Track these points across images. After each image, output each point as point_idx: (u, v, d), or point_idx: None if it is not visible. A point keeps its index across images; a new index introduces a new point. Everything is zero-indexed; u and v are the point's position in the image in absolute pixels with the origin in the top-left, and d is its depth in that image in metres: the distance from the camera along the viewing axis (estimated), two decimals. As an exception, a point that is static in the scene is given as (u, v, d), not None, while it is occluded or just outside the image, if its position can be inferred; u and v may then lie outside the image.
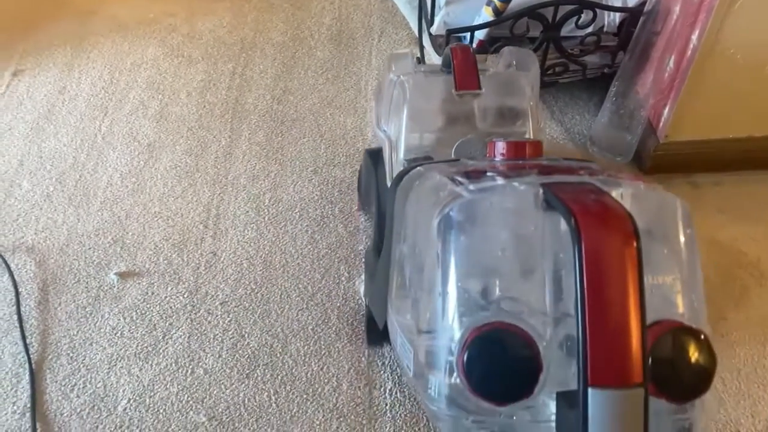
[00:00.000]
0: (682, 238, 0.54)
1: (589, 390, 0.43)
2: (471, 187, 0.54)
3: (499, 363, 0.49)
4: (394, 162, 0.79)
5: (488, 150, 0.65)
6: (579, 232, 0.44)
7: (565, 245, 0.47)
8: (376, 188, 0.92)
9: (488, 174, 0.60)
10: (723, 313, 0.97)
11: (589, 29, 1.08)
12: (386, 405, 0.87)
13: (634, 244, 0.44)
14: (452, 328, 0.51)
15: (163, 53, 1.38)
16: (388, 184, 0.78)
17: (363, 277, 1.00)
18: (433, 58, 1.24)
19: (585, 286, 0.44)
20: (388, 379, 0.89)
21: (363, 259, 1.00)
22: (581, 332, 0.43)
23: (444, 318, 0.51)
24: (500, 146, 0.63)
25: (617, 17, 1.09)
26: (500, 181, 0.56)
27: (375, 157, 0.94)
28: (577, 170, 0.58)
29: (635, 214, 0.47)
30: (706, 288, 0.98)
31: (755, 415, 0.86)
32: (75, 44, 1.41)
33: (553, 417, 0.49)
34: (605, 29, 1.10)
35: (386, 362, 0.91)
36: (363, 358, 0.91)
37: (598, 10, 1.06)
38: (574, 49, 1.11)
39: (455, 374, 0.50)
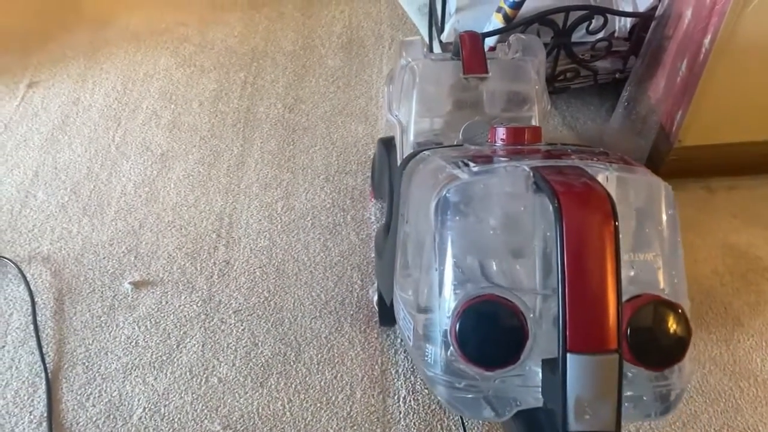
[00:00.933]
0: (664, 218, 0.57)
1: (568, 355, 0.47)
2: (467, 170, 0.57)
3: (488, 331, 0.53)
4: (405, 145, 0.81)
5: (489, 135, 0.68)
6: (561, 211, 0.48)
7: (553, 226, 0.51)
8: (389, 175, 0.94)
9: (486, 158, 0.63)
10: (739, 320, 0.96)
11: (600, 34, 1.07)
12: (400, 413, 0.87)
13: (612, 222, 0.47)
14: (447, 300, 0.55)
15: (176, 63, 1.40)
16: (399, 164, 0.80)
17: (376, 285, 1.00)
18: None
19: (565, 260, 0.47)
20: (401, 387, 0.89)
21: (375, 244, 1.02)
22: (561, 302, 0.47)
23: (441, 293, 0.55)
24: (500, 132, 0.66)
25: (628, 22, 1.08)
26: (495, 165, 0.59)
27: (388, 145, 0.97)
28: (571, 155, 0.61)
29: (619, 196, 0.51)
30: (723, 294, 0.98)
31: (764, 418, 0.85)
32: (88, 55, 1.42)
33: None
34: (616, 34, 1.10)
35: (400, 371, 0.91)
36: (377, 367, 0.91)
37: (609, 16, 1.06)
38: (585, 55, 1.11)
39: (450, 345, 0.54)
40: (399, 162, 0.82)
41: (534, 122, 0.81)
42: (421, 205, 0.62)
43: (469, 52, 0.79)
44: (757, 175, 1.14)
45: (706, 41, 0.98)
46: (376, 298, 0.98)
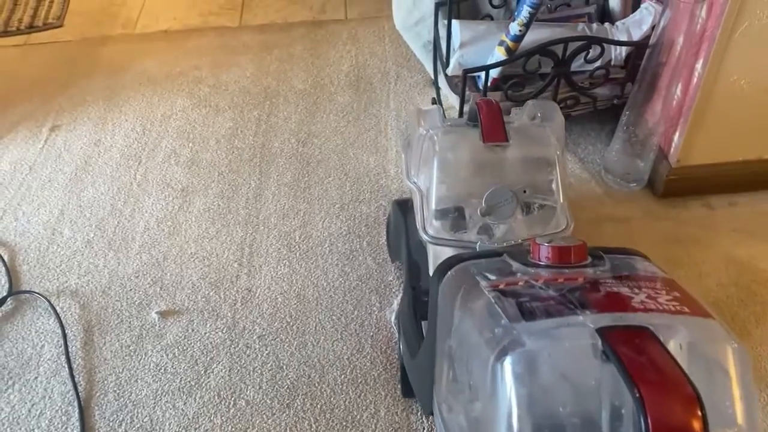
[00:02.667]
0: (737, 391, 0.53)
1: None
2: (526, 331, 0.54)
3: None
4: (426, 213, 0.80)
5: (532, 251, 0.65)
6: (643, 405, 0.46)
7: (623, 392, 0.49)
8: (406, 239, 0.95)
9: (538, 298, 0.58)
10: (747, 329, 0.99)
11: (598, 63, 1.13)
12: (424, 429, 0.89)
13: (699, 414, 0.46)
14: None
15: (192, 104, 1.46)
16: (420, 234, 0.80)
17: (393, 306, 1.04)
18: (450, 98, 1.30)
19: None
20: (424, 403, 0.92)
21: (396, 319, 1.01)
22: None
23: None
24: (545, 250, 0.63)
25: (624, 51, 1.15)
26: (555, 322, 0.55)
27: (403, 207, 0.97)
28: (627, 290, 0.58)
29: (690, 364, 0.50)
30: (729, 305, 1.01)
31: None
32: (107, 99, 1.48)
33: None
34: (613, 62, 1.16)
35: (422, 387, 0.93)
36: (399, 385, 0.94)
37: (605, 45, 1.12)
38: (584, 83, 1.17)
39: None
40: (419, 229, 0.80)
41: (554, 186, 0.80)
42: (473, 347, 0.60)
43: (488, 121, 0.80)
44: (755, 192, 1.19)
45: (698, 66, 1.04)
46: (393, 318, 1.02)
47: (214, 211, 1.22)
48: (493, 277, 0.63)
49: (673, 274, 1.05)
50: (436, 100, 1.33)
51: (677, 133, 1.13)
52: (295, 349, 1.00)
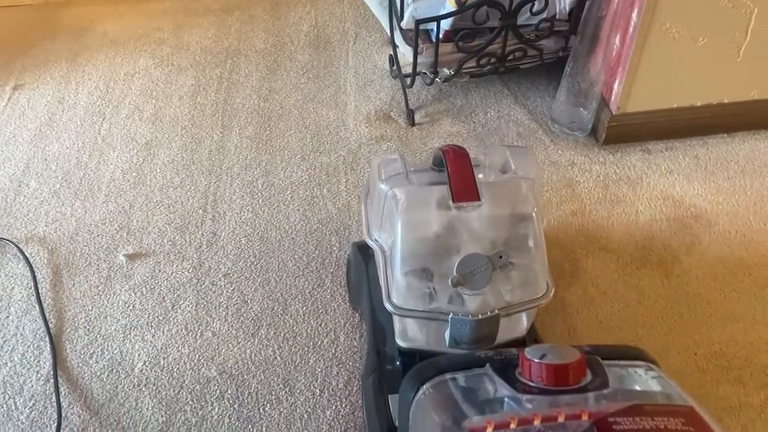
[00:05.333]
0: None
1: None
2: None
3: None
4: (390, 277, 0.72)
5: (522, 367, 0.56)
6: None
7: None
8: (368, 290, 0.88)
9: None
10: (678, 258, 1.08)
11: (543, 15, 1.20)
12: (381, 351, 0.96)
13: None
14: None
15: (154, 63, 1.49)
16: (384, 303, 0.72)
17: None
18: (407, 55, 1.35)
19: None
20: (381, 329, 0.98)
21: (359, 384, 0.92)
22: None
23: None
24: (537, 370, 0.54)
25: (567, 4, 1.21)
26: None
27: (364, 251, 0.89)
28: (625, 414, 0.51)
29: None
30: (663, 237, 1.10)
31: (701, 338, 0.97)
32: (70, 59, 1.50)
33: None
34: (557, 16, 1.23)
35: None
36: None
37: (549, -1, 1.19)
38: (530, 35, 1.23)
39: None
40: (384, 296, 0.72)
41: (531, 243, 0.72)
42: None
43: (457, 177, 0.71)
44: (690, 138, 1.28)
45: (634, 15, 1.11)
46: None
47: (178, 162, 1.26)
48: (477, 418, 0.53)
49: (612, 211, 1.14)
50: (393, 58, 1.38)
51: (617, 82, 1.21)
52: (259, 285, 1.05)
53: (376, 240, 0.77)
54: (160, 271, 1.08)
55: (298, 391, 0.92)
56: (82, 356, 0.97)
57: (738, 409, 0.90)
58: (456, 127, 1.31)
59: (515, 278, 0.71)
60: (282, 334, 0.99)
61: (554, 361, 0.54)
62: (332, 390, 0.92)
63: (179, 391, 0.93)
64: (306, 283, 1.05)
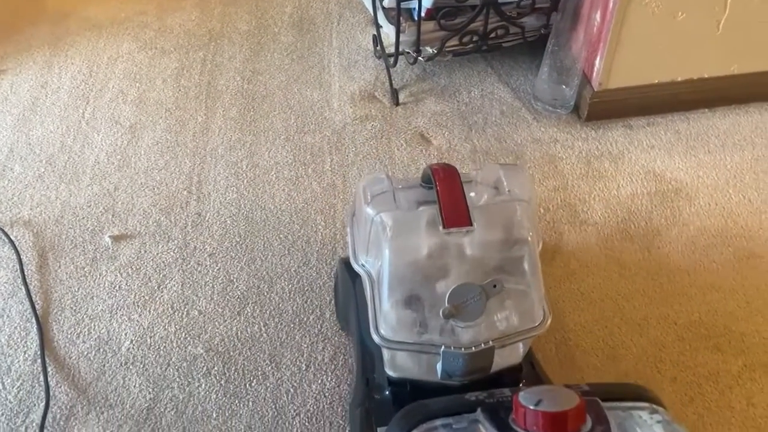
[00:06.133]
0: None
1: None
2: None
3: None
4: (378, 307, 0.69)
5: (515, 413, 0.52)
6: None
7: None
8: (356, 312, 0.83)
9: None
10: (659, 231, 1.09)
11: (524, -8, 1.21)
12: (366, 326, 0.97)
13: None
14: None
15: (137, 47, 1.48)
16: (372, 334, 0.69)
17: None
18: (390, 35, 1.36)
19: None
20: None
21: (347, 411, 0.89)
22: None
23: None
24: (532, 418, 0.50)
25: (548, -19, 1.22)
26: None
27: (352, 269, 0.81)
28: None
29: None
30: (644, 211, 1.11)
31: (681, 308, 0.99)
32: (52, 44, 1.49)
33: None
34: (538, -7, 1.23)
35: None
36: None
37: (530, -24, 1.19)
38: (512, 12, 1.24)
39: None
40: (371, 323, 0.69)
41: (526, 267, 0.69)
42: None
43: (448, 201, 0.68)
44: (671, 113, 1.29)
45: (614, -9, 1.12)
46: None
47: (163, 144, 1.26)
48: None
49: (594, 186, 1.15)
50: (377, 38, 1.38)
51: (598, 58, 1.21)
52: (245, 264, 1.06)
53: (363, 265, 0.73)
54: (145, 251, 1.08)
55: (284, 367, 0.93)
56: (69, 336, 0.98)
57: (716, 376, 0.92)
58: (440, 106, 1.32)
59: (510, 305, 0.68)
60: (268, 312, 1.00)
61: (551, 408, 0.50)
62: (318, 365, 0.93)
63: (166, 369, 0.94)
64: (291, 261, 1.06)
